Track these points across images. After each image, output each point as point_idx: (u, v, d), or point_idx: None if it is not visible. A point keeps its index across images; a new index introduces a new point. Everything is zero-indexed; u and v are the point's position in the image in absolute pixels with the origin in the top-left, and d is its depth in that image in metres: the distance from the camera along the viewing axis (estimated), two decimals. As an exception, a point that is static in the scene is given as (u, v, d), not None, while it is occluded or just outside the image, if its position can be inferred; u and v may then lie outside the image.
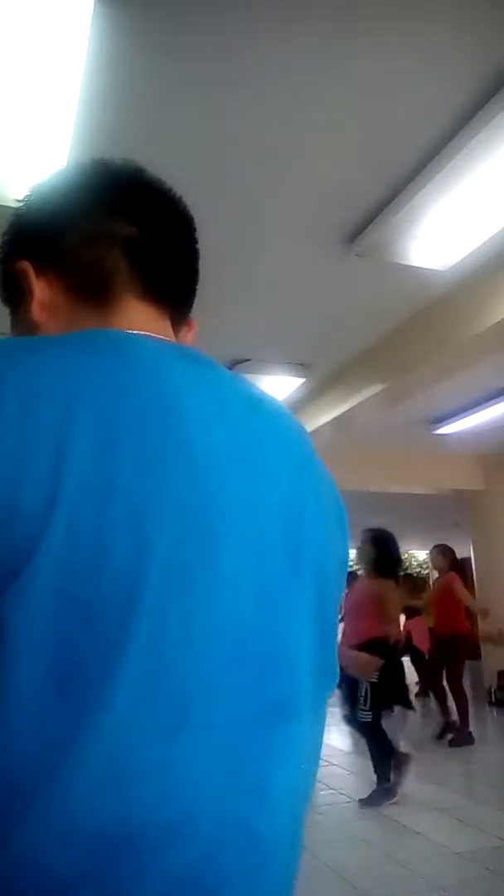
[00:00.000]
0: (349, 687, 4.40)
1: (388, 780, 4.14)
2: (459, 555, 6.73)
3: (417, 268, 3.35)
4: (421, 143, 2.51)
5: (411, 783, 4.52)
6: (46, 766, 0.44)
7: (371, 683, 4.23)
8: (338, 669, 0.67)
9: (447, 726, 5.98)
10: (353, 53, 2.10)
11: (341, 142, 2.51)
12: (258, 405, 0.64)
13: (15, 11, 1.78)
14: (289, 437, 0.65)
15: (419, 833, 3.60)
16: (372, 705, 4.21)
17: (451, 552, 6.51)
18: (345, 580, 0.71)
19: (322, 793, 4.31)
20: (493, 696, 7.47)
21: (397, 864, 3.15)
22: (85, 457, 0.47)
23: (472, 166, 2.50)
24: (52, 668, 0.44)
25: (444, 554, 6.49)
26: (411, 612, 8.55)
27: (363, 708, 4.23)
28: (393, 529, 4.69)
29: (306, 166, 2.64)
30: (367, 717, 4.22)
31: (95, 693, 0.45)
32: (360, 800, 4.09)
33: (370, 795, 4.08)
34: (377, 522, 4.76)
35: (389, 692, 4.50)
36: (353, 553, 4.51)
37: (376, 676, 4.25)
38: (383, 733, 4.28)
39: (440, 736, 5.94)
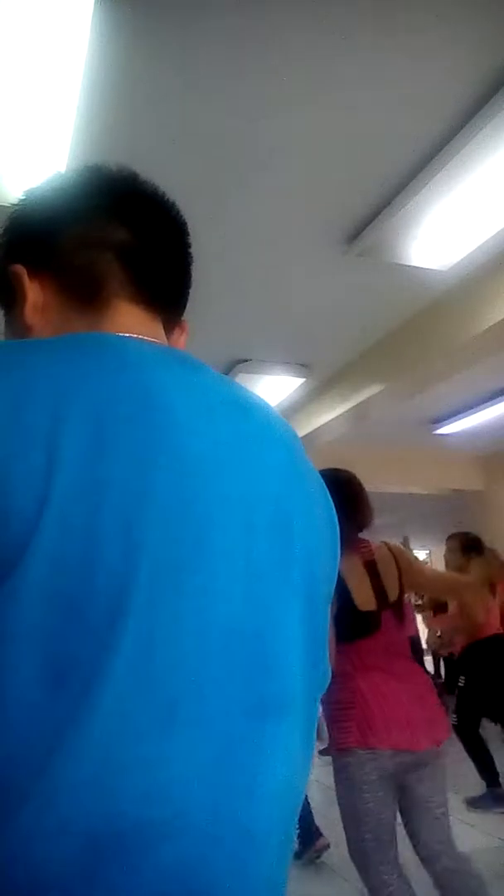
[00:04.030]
0: None
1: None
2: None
3: (417, 268, 3.35)
4: (421, 143, 2.51)
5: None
6: (37, 761, 0.45)
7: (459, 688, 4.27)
8: (329, 668, 0.67)
9: None
10: (353, 53, 2.10)
11: (341, 142, 2.51)
12: (247, 408, 0.64)
13: (15, 11, 1.78)
14: (278, 439, 0.65)
15: (419, 833, 3.60)
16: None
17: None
18: (335, 580, 0.71)
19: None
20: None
21: (397, 864, 3.14)
22: (76, 458, 0.47)
23: (472, 166, 2.51)
24: (43, 664, 0.45)
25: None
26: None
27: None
28: (393, 529, 4.69)
29: (306, 166, 2.64)
30: (451, 720, 4.15)
31: (85, 689, 0.46)
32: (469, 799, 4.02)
33: (480, 797, 4.02)
34: (377, 522, 4.76)
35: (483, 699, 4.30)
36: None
37: (463, 681, 4.29)
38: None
39: None
